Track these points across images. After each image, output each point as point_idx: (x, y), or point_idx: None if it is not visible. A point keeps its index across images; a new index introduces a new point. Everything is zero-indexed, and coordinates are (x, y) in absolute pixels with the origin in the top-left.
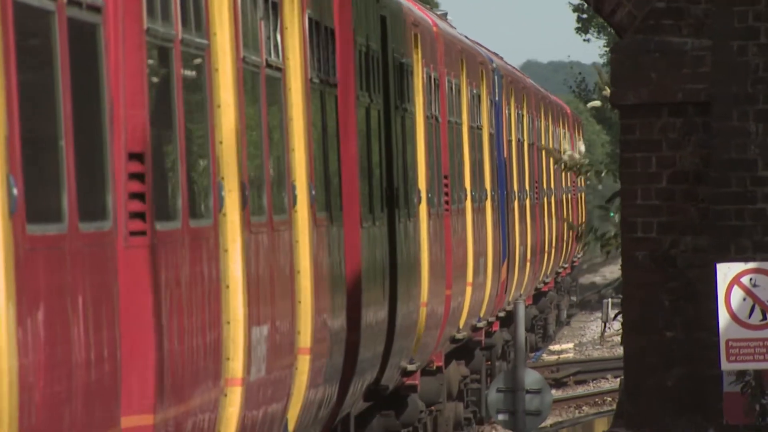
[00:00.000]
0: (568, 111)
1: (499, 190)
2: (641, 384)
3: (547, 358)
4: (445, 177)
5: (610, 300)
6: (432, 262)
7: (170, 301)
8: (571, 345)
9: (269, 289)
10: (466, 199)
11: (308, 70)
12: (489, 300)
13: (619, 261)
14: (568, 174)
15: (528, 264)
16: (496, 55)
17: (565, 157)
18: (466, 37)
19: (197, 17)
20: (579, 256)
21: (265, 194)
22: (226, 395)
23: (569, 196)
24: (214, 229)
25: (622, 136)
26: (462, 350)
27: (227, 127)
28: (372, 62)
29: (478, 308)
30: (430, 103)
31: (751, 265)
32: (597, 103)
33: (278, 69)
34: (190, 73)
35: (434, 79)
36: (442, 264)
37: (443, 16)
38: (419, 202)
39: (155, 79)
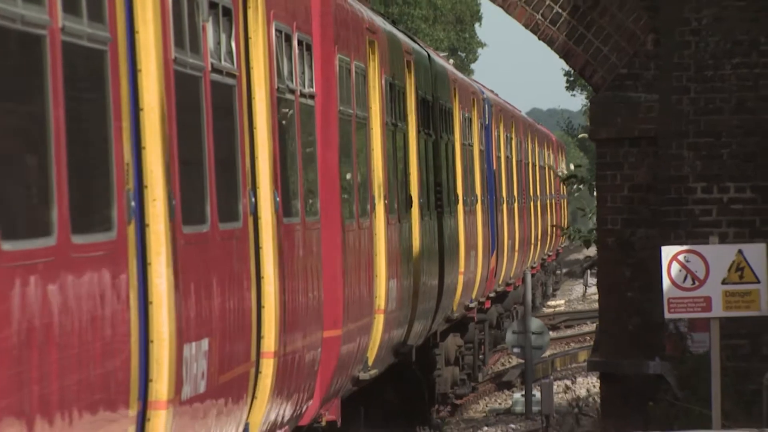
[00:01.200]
0: (553, 138)
1: (489, 196)
2: (610, 328)
3: (545, 311)
4: (438, 185)
5: (589, 271)
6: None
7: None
8: (562, 302)
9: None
10: (458, 202)
11: (274, 80)
12: (480, 283)
13: (595, 246)
14: (553, 183)
15: (516, 254)
16: (493, 92)
17: (562, 171)
18: (472, 79)
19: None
20: (563, 245)
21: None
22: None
23: (554, 201)
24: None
25: (597, 159)
26: (458, 325)
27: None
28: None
29: (470, 291)
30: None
31: (684, 247)
32: (585, 135)
33: (232, 75)
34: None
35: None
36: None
37: (437, 52)
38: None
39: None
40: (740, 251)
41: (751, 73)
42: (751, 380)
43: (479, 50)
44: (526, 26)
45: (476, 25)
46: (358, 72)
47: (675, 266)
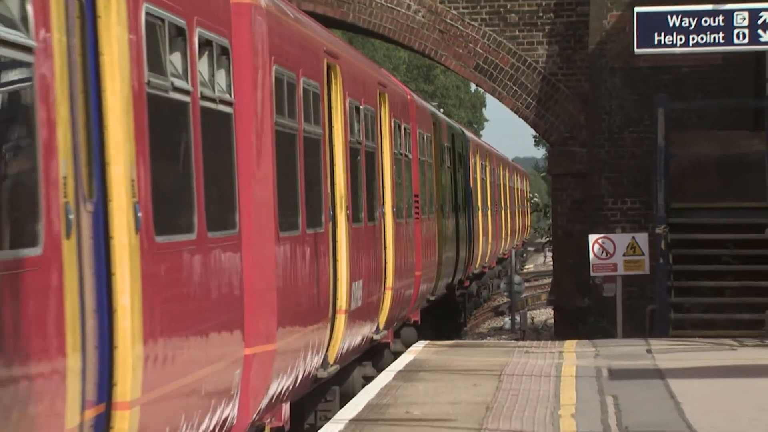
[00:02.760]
0: (521, 169)
1: (467, 206)
2: (560, 281)
3: (522, 272)
4: (416, 196)
5: (546, 248)
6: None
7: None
8: (532, 266)
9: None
10: (437, 211)
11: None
12: (456, 271)
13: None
14: (520, 198)
15: (489, 245)
16: (476, 133)
17: (534, 198)
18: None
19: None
20: (527, 238)
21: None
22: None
23: (521, 210)
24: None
25: (552, 185)
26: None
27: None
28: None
29: (451, 274)
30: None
31: (602, 235)
32: (544, 173)
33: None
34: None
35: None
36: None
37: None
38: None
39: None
40: (633, 237)
41: (638, 137)
42: (639, 311)
43: (485, 123)
44: (512, 109)
45: (483, 109)
46: (309, 89)
47: (596, 246)
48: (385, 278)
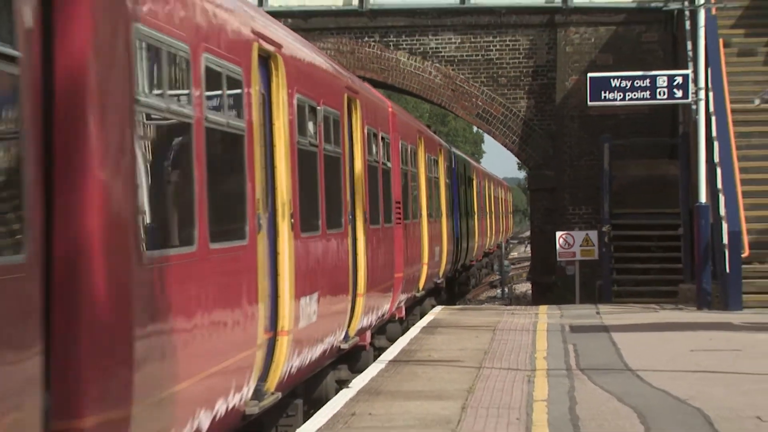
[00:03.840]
0: (504, 183)
1: (454, 211)
2: (536, 264)
3: (509, 257)
4: (398, 203)
5: (527, 241)
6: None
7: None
8: (516, 254)
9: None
10: (421, 216)
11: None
12: (445, 267)
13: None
14: (506, 206)
15: (476, 244)
16: (477, 161)
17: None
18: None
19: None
20: (510, 236)
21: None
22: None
23: (505, 215)
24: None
25: (530, 198)
26: (433, 291)
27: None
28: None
29: (437, 270)
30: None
31: (564, 232)
32: (527, 189)
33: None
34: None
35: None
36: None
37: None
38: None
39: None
40: (587, 233)
41: (590, 164)
42: (590, 285)
43: (483, 154)
44: (502, 144)
45: (482, 144)
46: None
47: (561, 240)
48: (356, 286)
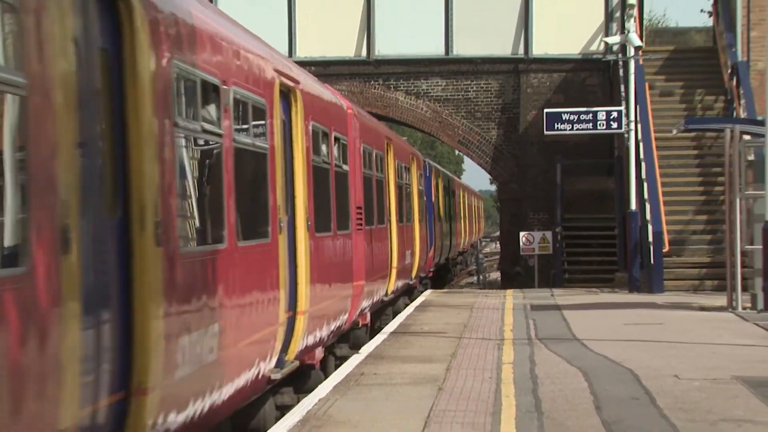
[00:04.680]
0: (478, 193)
1: (427, 216)
2: (504, 256)
3: (484, 252)
4: (359, 208)
5: (498, 240)
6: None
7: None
8: (489, 249)
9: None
10: (390, 221)
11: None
12: (418, 267)
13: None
14: (479, 213)
15: (460, 240)
16: (458, 176)
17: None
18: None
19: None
20: (481, 237)
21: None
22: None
23: (477, 220)
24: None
25: (500, 205)
26: (407, 291)
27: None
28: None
29: (409, 272)
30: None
31: (527, 232)
32: (496, 199)
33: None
34: None
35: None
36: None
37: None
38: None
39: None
40: (544, 233)
41: (547, 180)
42: (547, 274)
43: (464, 172)
44: (478, 164)
45: (462, 164)
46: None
47: (524, 238)
48: (296, 303)
